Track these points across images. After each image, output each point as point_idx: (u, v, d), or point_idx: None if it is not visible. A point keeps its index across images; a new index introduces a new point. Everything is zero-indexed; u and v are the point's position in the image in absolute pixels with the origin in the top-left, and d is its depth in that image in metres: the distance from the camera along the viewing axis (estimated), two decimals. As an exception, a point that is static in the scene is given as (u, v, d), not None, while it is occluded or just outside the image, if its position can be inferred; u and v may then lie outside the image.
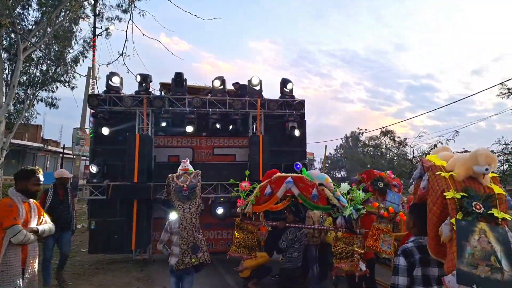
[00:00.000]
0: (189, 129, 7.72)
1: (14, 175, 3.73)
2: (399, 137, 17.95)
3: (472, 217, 2.03)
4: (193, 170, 4.74)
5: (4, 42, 15.01)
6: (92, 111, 7.88)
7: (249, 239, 5.12)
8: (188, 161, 4.91)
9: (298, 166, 7.38)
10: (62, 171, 6.29)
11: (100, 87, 7.32)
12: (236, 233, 5.21)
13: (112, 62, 5.00)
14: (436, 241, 2.22)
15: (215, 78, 8.24)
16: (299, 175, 4.50)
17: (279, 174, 4.58)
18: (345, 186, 4.39)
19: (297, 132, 8.01)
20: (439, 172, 2.30)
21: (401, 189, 5.10)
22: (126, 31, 4.76)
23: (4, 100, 14.59)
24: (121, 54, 4.76)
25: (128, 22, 4.82)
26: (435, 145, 14.28)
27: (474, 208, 2.05)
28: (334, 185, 4.46)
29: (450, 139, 13.84)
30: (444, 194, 2.15)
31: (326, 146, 26.82)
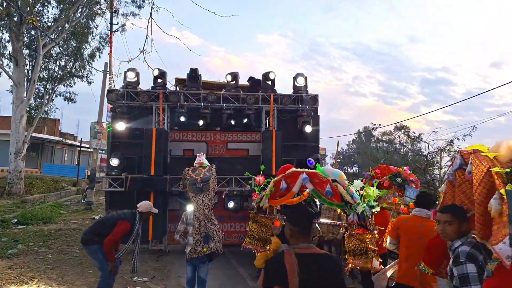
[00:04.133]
0: (201, 123, 7.86)
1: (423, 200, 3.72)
2: (414, 132, 17.74)
3: None
4: (208, 164, 4.90)
5: (25, 39, 15.49)
6: (110, 106, 8.11)
7: (263, 232, 5.16)
8: (203, 155, 5.07)
9: (310, 162, 7.42)
10: (150, 205, 4.88)
11: (119, 83, 7.55)
12: (250, 226, 5.28)
13: (133, 59, 5.18)
14: (483, 222, 2.22)
15: (228, 74, 8.35)
16: (314, 170, 4.53)
17: (293, 169, 4.62)
18: (358, 183, 4.41)
19: (310, 127, 8.05)
20: (483, 153, 2.34)
21: (418, 184, 5.10)
22: (147, 29, 4.91)
23: (25, 95, 15.12)
24: (142, 51, 4.91)
25: (149, 19, 4.94)
26: (451, 141, 14.09)
27: None
28: (347, 182, 4.50)
29: (467, 134, 13.60)
30: (490, 169, 2.17)
31: (338, 141, 26.85)
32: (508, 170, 2.12)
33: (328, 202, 4.28)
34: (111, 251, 4.38)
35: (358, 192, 4.29)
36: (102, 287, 4.52)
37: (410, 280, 3.36)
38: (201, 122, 7.87)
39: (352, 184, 4.44)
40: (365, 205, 4.15)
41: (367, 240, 4.25)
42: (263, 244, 5.24)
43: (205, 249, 4.35)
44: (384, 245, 4.39)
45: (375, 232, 4.41)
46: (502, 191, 2.06)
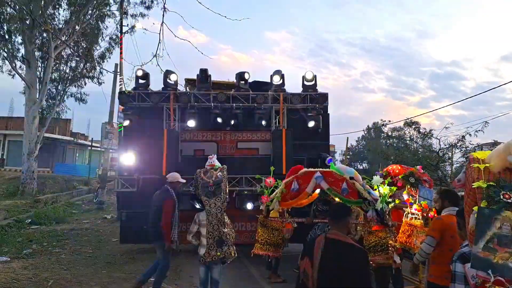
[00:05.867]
0: (220, 120, 7.92)
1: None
2: (424, 128, 17.43)
3: (498, 206, 2.02)
4: (219, 166, 4.89)
5: (37, 41, 15.71)
6: (121, 107, 8.18)
7: (274, 236, 5.03)
8: (215, 157, 5.06)
9: (330, 160, 7.35)
10: (177, 175, 5.39)
11: (132, 86, 7.63)
12: (259, 231, 5.13)
13: (146, 63, 5.13)
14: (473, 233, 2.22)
15: (246, 72, 8.32)
16: (328, 169, 4.48)
17: (306, 169, 4.56)
18: (378, 179, 4.38)
19: (320, 126, 8.00)
20: (473, 164, 2.30)
21: (432, 184, 5.03)
22: (159, 34, 4.91)
23: (37, 96, 15.35)
24: (155, 56, 4.92)
25: (161, 24, 4.95)
26: (463, 137, 13.82)
27: (502, 197, 2.03)
28: (363, 178, 4.47)
29: (479, 130, 13.28)
30: (473, 184, 2.16)
31: (347, 138, 26.69)
32: (485, 185, 2.09)
33: (346, 200, 4.25)
34: (168, 232, 5.02)
35: (377, 189, 4.24)
36: (161, 274, 5.16)
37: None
38: (220, 119, 7.88)
39: (370, 181, 4.40)
40: (383, 201, 4.12)
41: (386, 236, 4.20)
42: (275, 249, 5.14)
43: (219, 253, 4.37)
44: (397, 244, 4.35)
45: (393, 227, 4.35)
46: (475, 208, 2.06)
